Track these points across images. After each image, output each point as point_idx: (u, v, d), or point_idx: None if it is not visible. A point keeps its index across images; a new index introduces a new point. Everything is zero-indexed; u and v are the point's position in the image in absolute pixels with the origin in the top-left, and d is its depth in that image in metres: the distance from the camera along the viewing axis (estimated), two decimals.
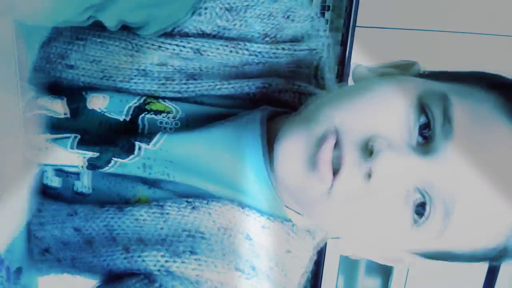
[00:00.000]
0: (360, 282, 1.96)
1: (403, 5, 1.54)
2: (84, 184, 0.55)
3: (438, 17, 1.56)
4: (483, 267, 1.92)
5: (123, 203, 0.53)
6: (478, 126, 0.43)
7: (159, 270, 0.50)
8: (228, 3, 0.53)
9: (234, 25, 0.54)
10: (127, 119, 0.54)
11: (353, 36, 1.54)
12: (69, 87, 0.55)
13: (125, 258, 0.51)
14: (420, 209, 0.44)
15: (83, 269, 0.52)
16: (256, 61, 0.55)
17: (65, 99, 0.55)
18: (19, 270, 0.49)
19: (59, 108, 0.54)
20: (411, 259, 0.52)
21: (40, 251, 0.52)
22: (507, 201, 0.43)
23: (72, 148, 0.52)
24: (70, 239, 0.52)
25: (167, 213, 0.51)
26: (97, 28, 0.53)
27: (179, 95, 0.54)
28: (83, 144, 0.53)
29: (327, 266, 1.83)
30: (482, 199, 0.43)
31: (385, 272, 1.93)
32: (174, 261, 0.50)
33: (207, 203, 0.52)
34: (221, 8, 0.53)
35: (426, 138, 0.44)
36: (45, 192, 0.55)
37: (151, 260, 0.50)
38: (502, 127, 0.43)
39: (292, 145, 0.46)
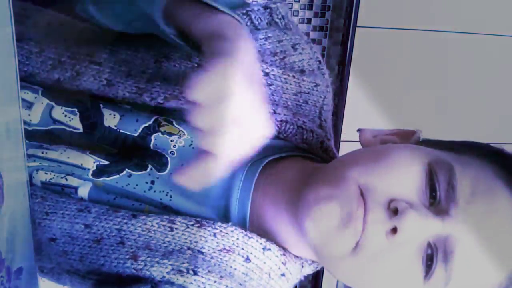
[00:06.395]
0: None
1: (403, 5, 1.54)
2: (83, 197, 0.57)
3: (438, 17, 1.56)
4: None
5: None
6: (478, 194, 0.50)
7: (162, 280, 0.52)
8: None
9: None
10: (140, 136, 0.57)
11: (353, 36, 1.54)
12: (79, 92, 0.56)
13: (132, 265, 0.52)
14: (430, 263, 0.49)
15: (91, 267, 0.53)
16: (269, 82, 0.57)
17: (78, 114, 0.57)
18: (19, 270, 0.49)
19: (76, 124, 0.57)
20: None
21: (46, 239, 0.53)
22: (503, 261, 0.50)
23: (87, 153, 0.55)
24: (79, 234, 0.53)
25: (176, 228, 0.53)
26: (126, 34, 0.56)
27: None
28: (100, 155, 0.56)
29: None
30: (478, 256, 0.49)
31: None
32: (177, 278, 0.52)
33: (213, 223, 0.54)
34: None
35: (434, 199, 0.50)
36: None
37: (157, 272, 0.52)
38: (501, 195, 0.50)
39: (324, 208, 0.50)
